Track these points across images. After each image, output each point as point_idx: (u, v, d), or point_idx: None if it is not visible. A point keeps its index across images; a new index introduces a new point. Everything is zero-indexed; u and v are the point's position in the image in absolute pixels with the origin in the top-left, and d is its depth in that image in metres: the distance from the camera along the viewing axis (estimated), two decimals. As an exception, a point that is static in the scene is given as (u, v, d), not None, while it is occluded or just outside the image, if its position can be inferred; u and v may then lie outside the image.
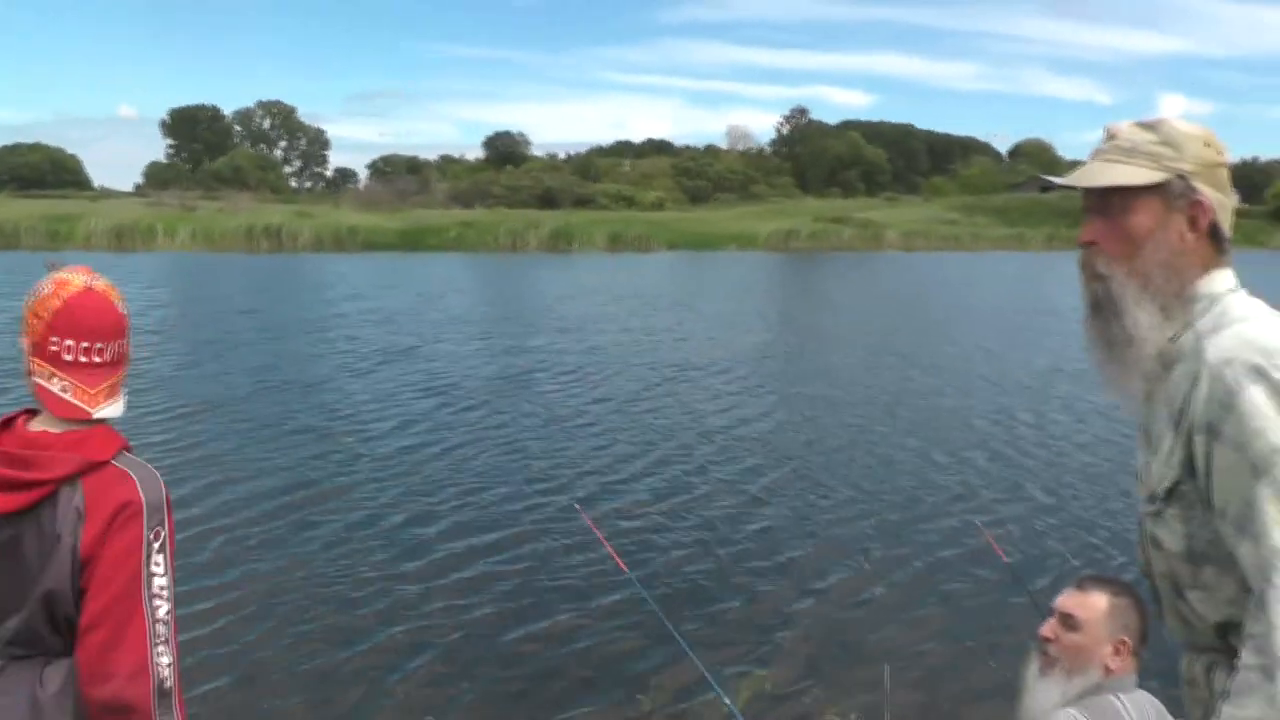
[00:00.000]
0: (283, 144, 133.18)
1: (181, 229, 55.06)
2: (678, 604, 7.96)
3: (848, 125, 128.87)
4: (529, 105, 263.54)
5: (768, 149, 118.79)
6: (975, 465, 12.40)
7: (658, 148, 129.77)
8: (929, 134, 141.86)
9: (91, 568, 2.32)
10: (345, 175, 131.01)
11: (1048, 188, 2.47)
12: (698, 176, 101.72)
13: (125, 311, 2.59)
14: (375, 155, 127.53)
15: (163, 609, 2.37)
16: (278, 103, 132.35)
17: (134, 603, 2.33)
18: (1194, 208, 2.23)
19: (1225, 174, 2.29)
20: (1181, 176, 2.23)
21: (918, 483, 11.64)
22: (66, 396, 2.43)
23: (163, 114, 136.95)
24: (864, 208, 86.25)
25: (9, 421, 2.49)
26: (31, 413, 2.50)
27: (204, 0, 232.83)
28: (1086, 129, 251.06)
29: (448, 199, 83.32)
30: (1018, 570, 8.01)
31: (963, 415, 15.33)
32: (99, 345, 2.50)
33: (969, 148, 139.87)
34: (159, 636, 2.36)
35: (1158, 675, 3.00)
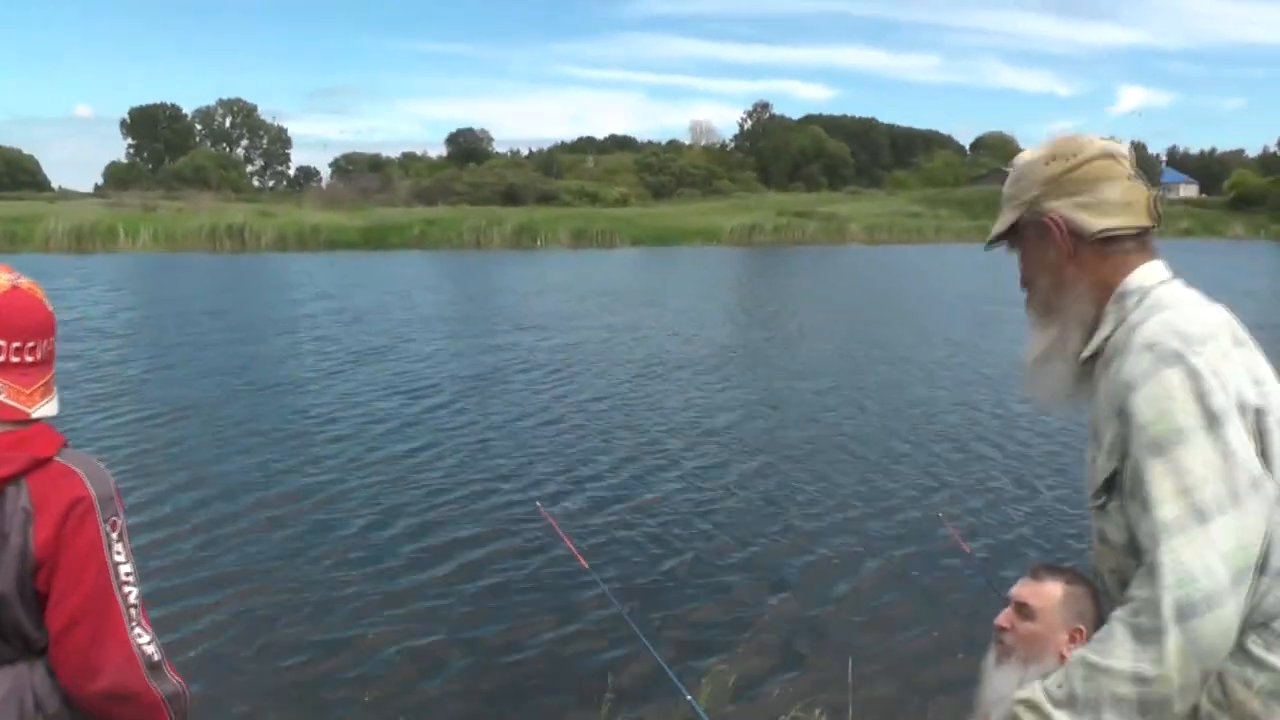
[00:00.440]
0: (244, 143, 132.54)
1: (143, 230, 54.52)
2: (641, 601, 7.97)
3: (810, 119, 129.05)
4: (492, 101, 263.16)
5: (731, 144, 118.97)
6: (939, 457, 12.48)
7: (620, 143, 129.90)
8: (891, 127, 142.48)
9: (53, 569, 2.31)
10: (308, 174, 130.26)
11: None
12: (661, 172, 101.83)
13: (51, 309, 2.53)
14: (337, 153, 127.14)
15: (132, 594, 2.39)
16: (239, 101, 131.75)
17: (107, 596, 2.34)
18: (1045, 228, 2.34)
19: (1088, 170, 2.33)
20: (1029, 205, 2.37)
21: (882, 476, 11.70)
22: (2, 398, 2.39)
23: (122, 113, 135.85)
24: (827, 201, 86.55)
25: None
26: None
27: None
28: (1047, 121, 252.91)
29: (411, 196, 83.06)
30: (981, 561, 8.06)
31: (927, 407, 15.42)
32: (30, 344, 2.44)
33: (931, 141, 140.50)
34: (134, 620, 2.38)
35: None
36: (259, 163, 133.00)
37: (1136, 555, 2.14)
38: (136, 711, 2.41)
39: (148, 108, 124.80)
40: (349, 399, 15.49)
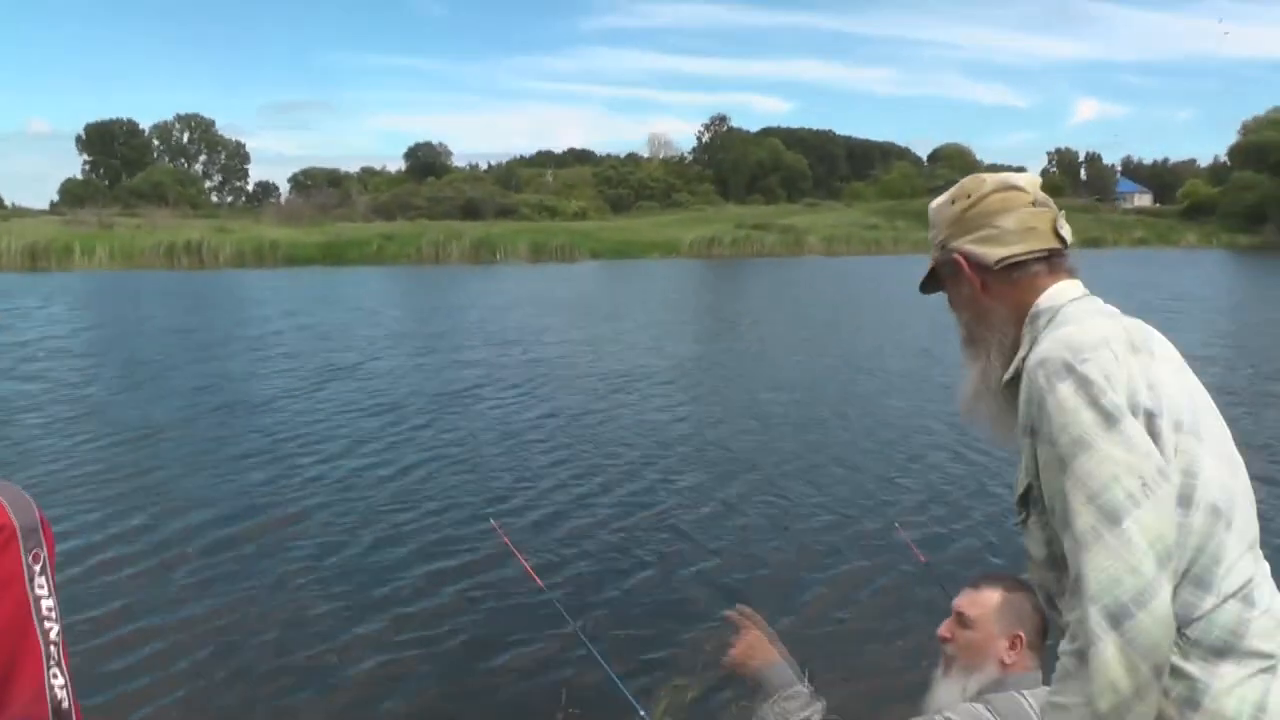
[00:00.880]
0: (202, 158, 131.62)
1: (99, 247, 54.07)
2: (596, 618, 7.99)
3: (768, 132, 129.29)
4: (450, 115, 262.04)
5: (689, 156, 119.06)
6: (896, 465, 12.58)
7: (579, 157, 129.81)
8: (849, 140, 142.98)
9: None
10: (266, 189, 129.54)
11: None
12: (620, 185, 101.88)
13: None
14: (296, 168, 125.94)
15: (54, 631, 2.28)
16: (196, 116, 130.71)
17: (24, 631, 2.24)
18: (955, 265, 2.45)
19: (986, 204, 2.43)
20: (941, 247, 2.49)
21: (840, 486, 11.77)
22: None
23: (77, 129, 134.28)
24: (786, 214, 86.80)
25: None
26: None
27: (114, 11, 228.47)
28: (1004, 133, 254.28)
29: (369, 211, 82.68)
30: (936, 570, 8.16)
31: (884, 417, 15.54)
32: None
33: (889, 153, 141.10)
34: (52, 659, 2.27)
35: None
36: (217, 178, 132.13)
37: (1055, 569, 2.19)
38: None
39: (104, 123, 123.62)
40: (309, 417, 15.43)
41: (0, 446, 13.27)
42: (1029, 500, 2.26)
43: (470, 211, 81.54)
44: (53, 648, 2.29)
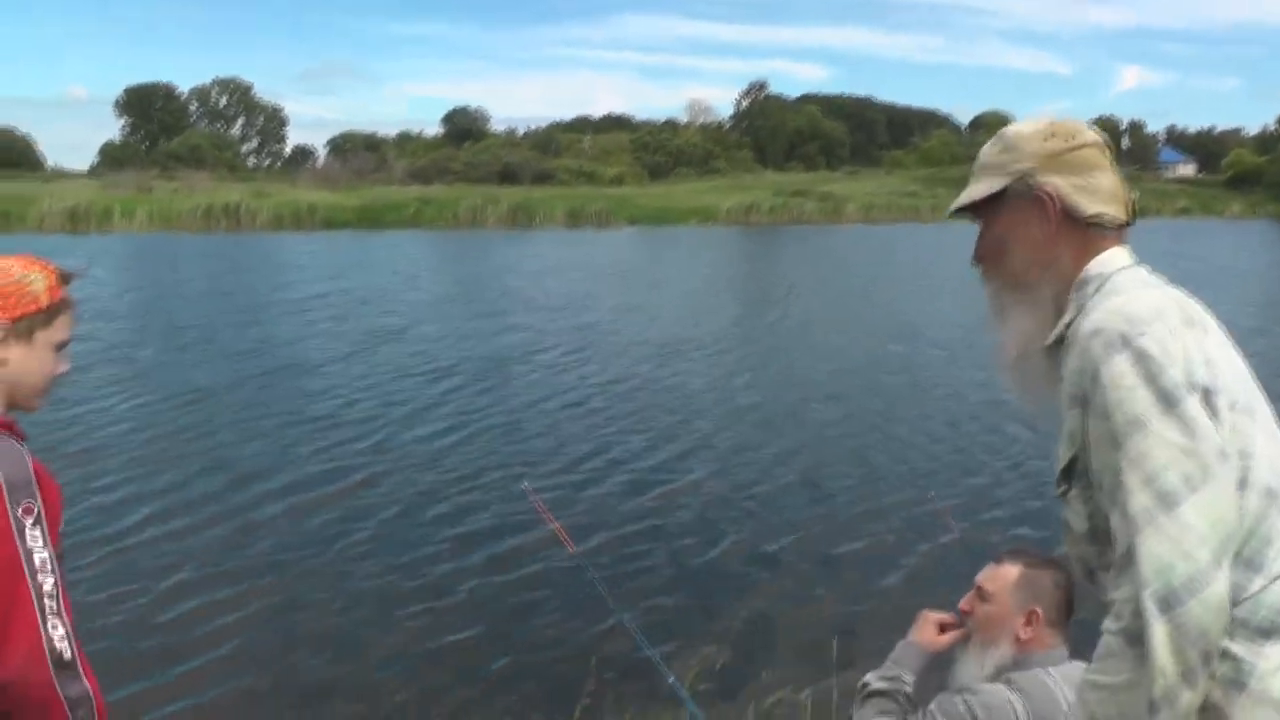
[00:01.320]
0: (240, 122, 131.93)
1: (139, 210, 54.43)
2: (628, 585, 8.02)
3: (806, 99, 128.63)
4: (488, 82, 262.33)
5: (727, 123, 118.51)
6: (933, 436, 12.55)
7: (617, 123, 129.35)
8: (888, 107, 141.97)
9: None
10: (303, 153, 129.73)
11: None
12: (657, 151, 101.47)
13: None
14: (333, 133, 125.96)
15: (48, 583, 2.30)
16: (234, 80, 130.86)
17: (16, 584, 2.26)
18: (1037, 202, 2.30)
19: (1086, 154, 2.32)
20: (1022, 176, 2.31)
21: (875, 456, 11.77)
22: None
23: (116, 93, 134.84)
24: (824, 181, 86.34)
25: None
26: None
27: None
28: (1046, 101, 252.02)
29: (406, 176, 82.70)
30: (969, 541, 8.09)
31: (921, 386, 15.49)
32: None
33: (928, 120, 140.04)
34: (49, 610, 2.29)
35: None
36: (255, 142, 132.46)
37: (1097, 542, 2.17)
38: (34, 708, 2.30)
39: (142, 87, 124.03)
40: (354, 382, 15.68)
41: (53, 408, 13.32)
42: (1072, 473, 2.20)
43: (507, 177, 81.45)
44: (48, 600, 2.30)
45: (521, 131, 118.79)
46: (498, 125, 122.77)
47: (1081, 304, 2.22)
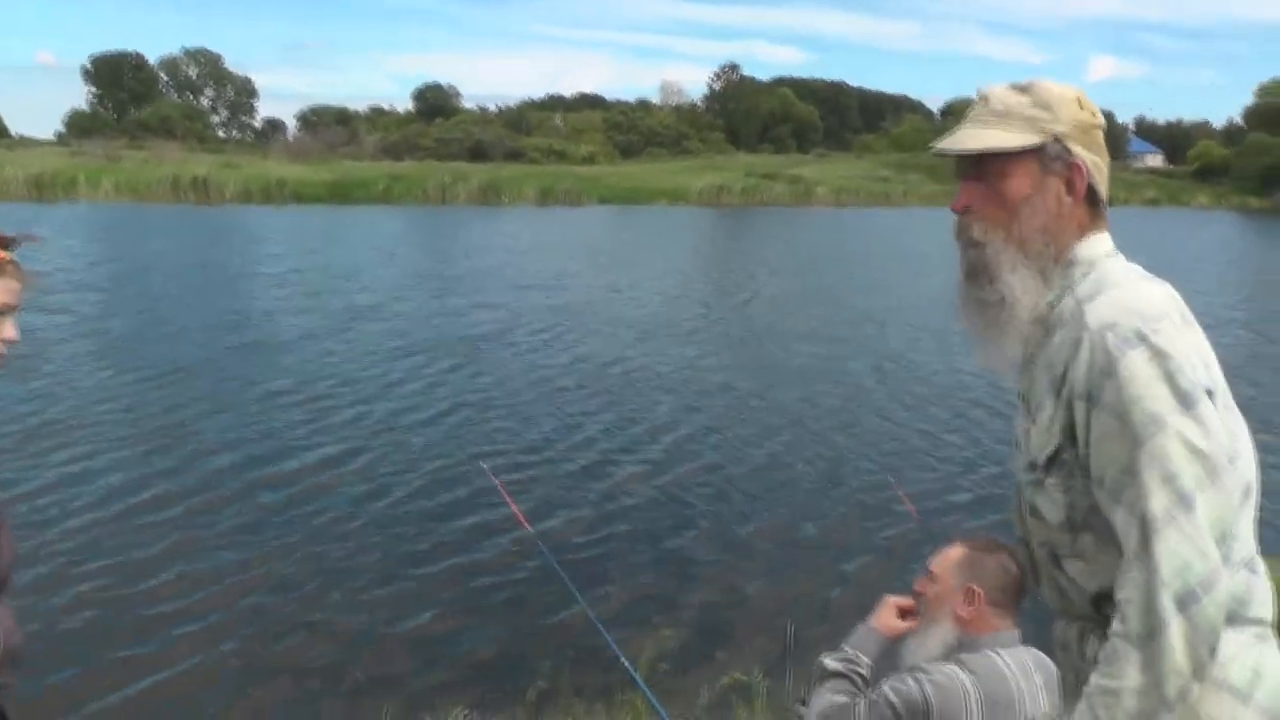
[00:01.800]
0: (209, 93, 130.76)
1: (105, 179, 53.99)
2: (584, 566, 8.05)
3: (780, 82, 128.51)
4: (461, 58, 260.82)
5: (700, 104, 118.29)
6: (897, 421, 12.64)
7: (590, 102, 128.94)
8: (861, 92, 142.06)
9: None
10: (274, 126, 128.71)
11: (940, 154, 2.31)
12: (630, 131, 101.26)
13: None
14: (304, 106, 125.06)
15: None
16: (204, 50, 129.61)
17: None
18: (1071, 170, 2.20)
19: (1100, 135, 2.25)
20: (1057, 139, 2.20)
21: (838, 440, 11.85)
22: None
23: (83, 61, 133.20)
24: (796, 164, 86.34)
25: None
26: None
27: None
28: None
29: (377, 151, 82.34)
30: (930, 528, 8.15)
31: (885, 372, 15.58)
32: None
33: (901, 106, 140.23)
34: None
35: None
36: (225, 114, 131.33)
37: (1071, 530, 2.17)
38: None
39: (111, 56, 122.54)
40: (326, 359, 15.81)
41: (30, 380, 13.30)
42: (1055, 463, 2.16)
43: (478, 154, 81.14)
44: None
45: (494, 108, 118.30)
46: (470, 102, 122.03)
47: (1069, 285, 2.19)
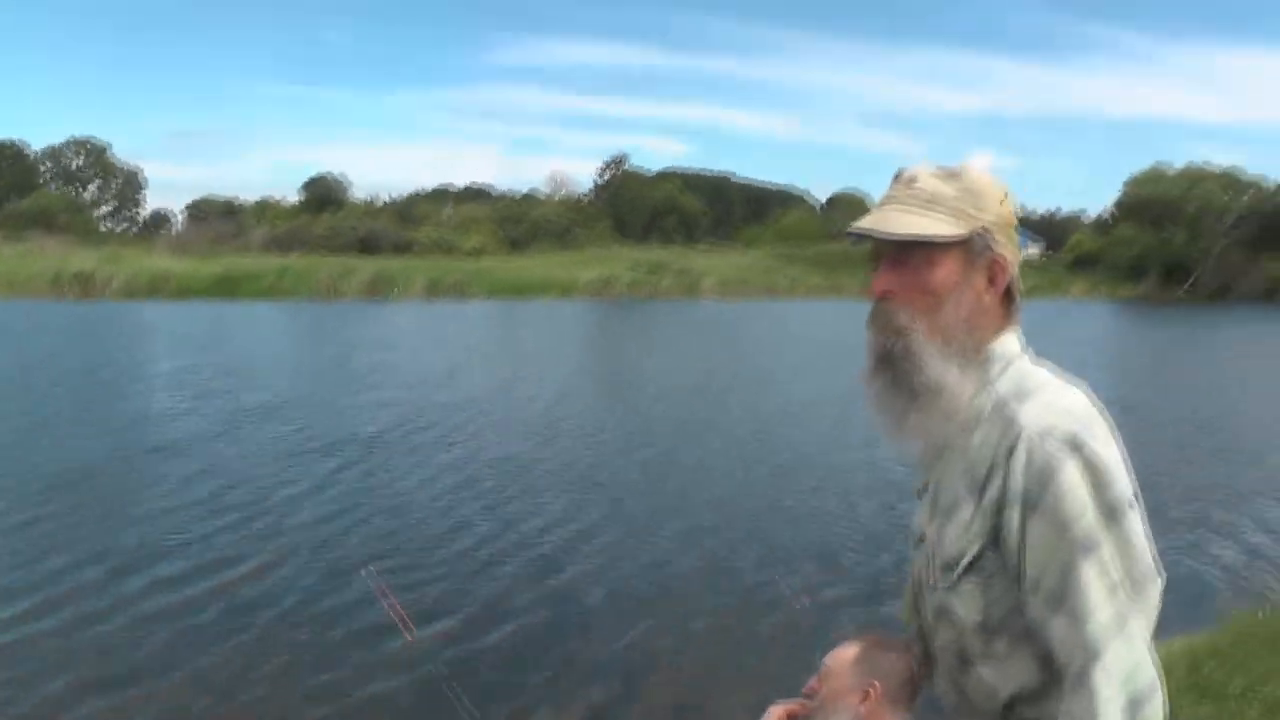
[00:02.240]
0: (95, 184, 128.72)
1: (-21, 273, 53.15)
2: (467, 670, 8.10)
3: (666, 174, 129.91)
4: (352, 147, 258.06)
5: (588, 196, 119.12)
6: (790, 515, 12.98)
7: (479, 194, 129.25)
8: (746, 184, 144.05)
9: None
10: (161, 218, 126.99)
11: (856, 238, 2.23)
12: (518, 223, 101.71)
13: None
14: (194, 196, 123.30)
15: None
16: (89, 140, 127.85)
17: None
18: (994, 265, 2.17)
19: (1015, 234, 2.22)
20: (984, 231, 2.15)
21: (724, 534, 12.09)
22: None
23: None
24: (682, 256, 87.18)
25: None
26: None
27: (5, 29, 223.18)
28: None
29: (266, 243, 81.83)
30: (822, 624, 8.34)
31: (779, 463, 15.92)
32: None
33: (786, 197, 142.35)
34: None
35: None
36: (110, 205, 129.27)
37: (985, 632, 2.16)
38: None
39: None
40: (214, 461, 15.65)
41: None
42: (974, 567, 2.14)
43: (368, 246, 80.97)
44: None
45: (384, 199, 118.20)
46: (360, 193, 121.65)
47: (987, 381, 2.15)
